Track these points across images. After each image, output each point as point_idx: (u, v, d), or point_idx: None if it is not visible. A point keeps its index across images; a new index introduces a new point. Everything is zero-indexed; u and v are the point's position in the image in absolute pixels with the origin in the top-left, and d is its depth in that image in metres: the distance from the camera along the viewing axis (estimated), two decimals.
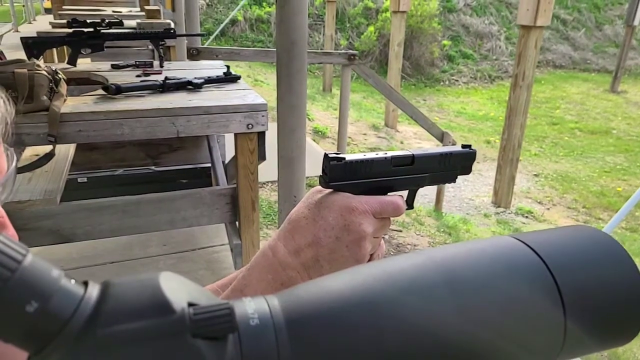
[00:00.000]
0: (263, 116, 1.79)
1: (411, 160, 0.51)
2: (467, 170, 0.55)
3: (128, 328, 0.21)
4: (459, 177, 0.55)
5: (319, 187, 0.50)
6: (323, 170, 0.48)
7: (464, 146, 0.54)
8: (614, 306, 0.30)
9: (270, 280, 0.47)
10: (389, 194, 0.51)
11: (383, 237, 0.52)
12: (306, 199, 0.50)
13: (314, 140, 6.79)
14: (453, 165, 0.54)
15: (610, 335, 0.31)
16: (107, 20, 2.35)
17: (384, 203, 0.49)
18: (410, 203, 0.55)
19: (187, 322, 0.22)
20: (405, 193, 0.55)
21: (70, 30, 2.20)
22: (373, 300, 0.26)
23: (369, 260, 0.50)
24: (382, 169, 0.50)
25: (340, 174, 0.48)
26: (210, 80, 1.97)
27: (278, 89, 1.48)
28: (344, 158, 0.47)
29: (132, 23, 3.23)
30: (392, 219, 0.51)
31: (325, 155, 0.48)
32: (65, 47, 2.49)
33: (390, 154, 0.50)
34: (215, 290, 0.51)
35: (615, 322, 0.30)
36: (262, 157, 1.87)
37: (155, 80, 1.88)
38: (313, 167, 1.58)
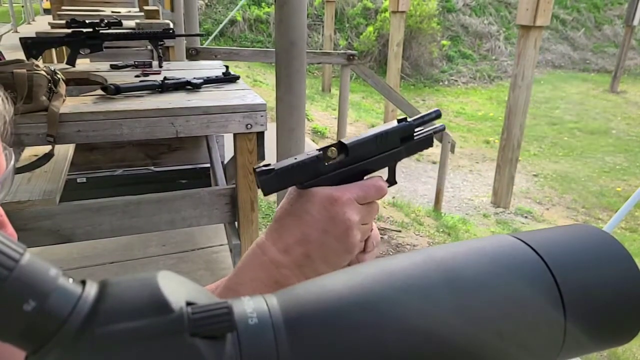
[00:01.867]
0: (262, 116, 1.79)
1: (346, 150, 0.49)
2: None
3: (126, 327, 0.21)
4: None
5: None
6: (258, 186, 0.47)
7: (399, 120, 0.53)
8: (614, 305, 0.30)
9: (263, 278, 0.47)
10: (366, 177, 0.50)
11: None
12: (288, 194, 0.49)
13: (313, 141, 6.79)
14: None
15: (611, 335, 0.31)
16: (106, 21, 2.34)
17: (365, 187, 0.48)
18: (392, 179, 0.54)
19: (185, 321, 0.22)
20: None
21: (69, 31, 2.20)
22: (372, 299, 0.26)
23: (364, 247, 0.50)
24: (315, 168, 0.48)
25: (275, 184, 0.47)
26: (209, 81, 1.97)
27: (277, 89, 1.48)
28: (274, 168, 0.46)
29: (131, 23, 3.22)
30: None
31: (254, 169, 0.47)
32: (64, 48, 2.49)
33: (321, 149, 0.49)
34: (212, 291, 0.50)
35: (616, 322, 0.30)
36: (261, 157, 1.87)
37: (154, 81, 1.88)
38: None
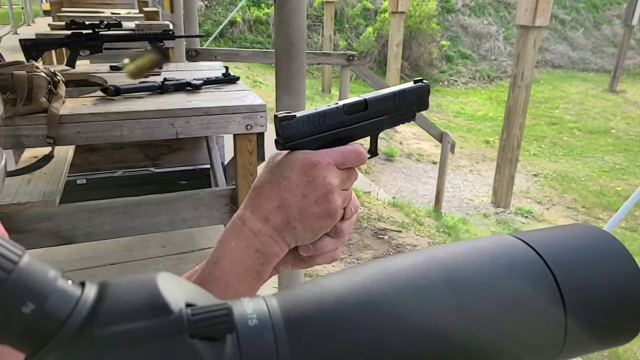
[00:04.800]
0: (262, 117, 1.79)
1: (364, 105, 0.50)
2: (424, 106, 0.54)
3: (125, 329, 0.21)
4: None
5: (279, 151, 0.49)
6: (276, 132, 0.47)
7: (416, 81, 0.54)
8: (615, 305, 0.30)
9: (243, 248, 0.46)
10: (350, 143, 0.50)
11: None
12: (267, 163, 0.49)
13: None
14: (409, 102, 0.53)
15: (611, 335, 0.30)
16: (105, 22, 2.34)
17: (345, 152, 0.48)
18: (373, 150, 0.54)
19: (185, 323, 0.22)
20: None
21: (69, 32, 2.20)
22: (372, 299, 0.26)
23: (344, 215, 0.49)
24: (336, 119, 0.48)
25: (294, 132, 0.46)
26: (209, 82, 1.97)
27: (277, 89, 1.48)
28: (295, 115, 0.46)
29: (131, 24, 3.23)
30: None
31: (275, 116, 0.46)
32: (64, 49, 2.49)
33: (341, 102, 0.49)
34: (195, 271, 0.50)
35: (616, 321, 0.30)
36: (261, 158, 1.87)
37: (154, 82, 1.88)
38: None
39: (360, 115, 0.50)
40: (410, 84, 0.53)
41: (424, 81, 0.54)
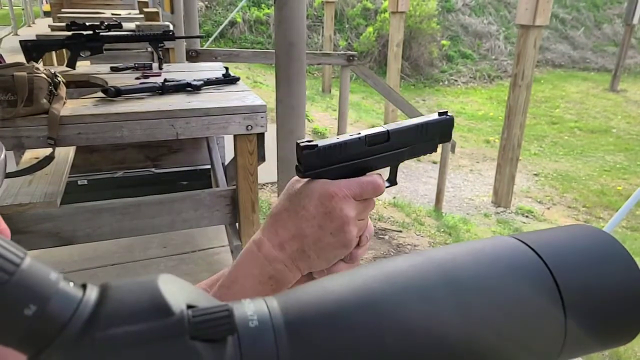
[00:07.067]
0: (262, 117, 1.79)
1: (386, 136, 0.50)
2: (447, 138, 0.54)
3: (127, 331, 0.21)
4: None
5: (298, 177, 0.49)
6: (298, 160, 0.47)
7: (440, 114, 0.53)
8: (615, 306, 0.30)
9: (257, 274, 0.47)
10: (369, 173, 0.50)
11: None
12: (286, 190, 0.49)
13: None
14: (431, 135, 0.52)
15: (611, 335, 0.31)
16: (106, 23, 2.35)
17: (363, 184, 0.48)
18: (393, 179, 0.54)
19: (186, 324, 0.22)
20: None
21: (70, 33, 2.20)
22: (373, 301, 0.26)
23: (359, 242, 0.50)
24: (357, 150, 0.48)
25: (315, 162, 0.47)
26: (209, 82, 1.97)
27: (277, 90, 1.48)
28: (317, 145, 0.46)
29: (131, 25, 3.23)
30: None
31: (297, 144, 0.46)
32: (64, 50, 2.49)
33: (364, 132, 0.49)
34: (203, 290, 0.50)
35: (616, 322, 0.30)
36: (261, 158, 1.87)
37: (154, 83, 1.88)
38: None
39: (382, 147, 0.50)
40: (435, 116, 0.53)
41: (449, 114, 0.54)
